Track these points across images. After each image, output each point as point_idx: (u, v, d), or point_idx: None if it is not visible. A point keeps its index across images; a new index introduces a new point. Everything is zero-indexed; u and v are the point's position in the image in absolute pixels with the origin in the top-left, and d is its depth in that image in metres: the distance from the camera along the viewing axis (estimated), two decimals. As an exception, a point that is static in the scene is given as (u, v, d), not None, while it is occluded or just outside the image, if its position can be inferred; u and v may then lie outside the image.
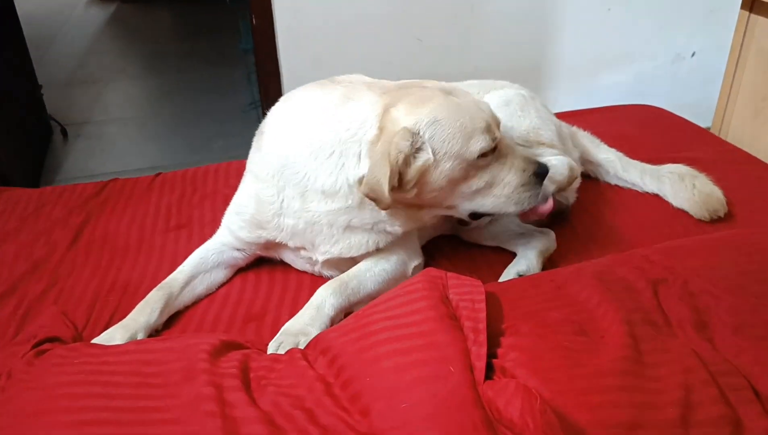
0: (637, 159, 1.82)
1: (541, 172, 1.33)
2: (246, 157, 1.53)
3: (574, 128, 1.87)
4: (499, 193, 1.31)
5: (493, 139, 1.28)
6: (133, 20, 6.24)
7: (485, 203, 1.33)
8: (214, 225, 1.59)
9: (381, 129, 1.25)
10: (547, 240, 1.55)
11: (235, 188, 1.54)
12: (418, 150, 1.23)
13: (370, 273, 1.38)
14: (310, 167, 1.31)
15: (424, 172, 1.24)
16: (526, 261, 1.50)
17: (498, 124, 1.34)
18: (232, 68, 4.81)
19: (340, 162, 1.28)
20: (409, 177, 1.23)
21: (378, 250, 1.41)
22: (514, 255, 1.55)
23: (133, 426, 0.92)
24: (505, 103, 1.60)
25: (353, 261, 1.43)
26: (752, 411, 0.94)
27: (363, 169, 1.26)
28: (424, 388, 0.92)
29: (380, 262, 1.40)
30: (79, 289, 1.47)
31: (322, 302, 1.30)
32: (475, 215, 1.37)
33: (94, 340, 1.27)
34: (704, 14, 3.17)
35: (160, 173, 1.97)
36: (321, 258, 1.41)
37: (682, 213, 1.67)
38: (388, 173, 1.19)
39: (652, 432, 0.88)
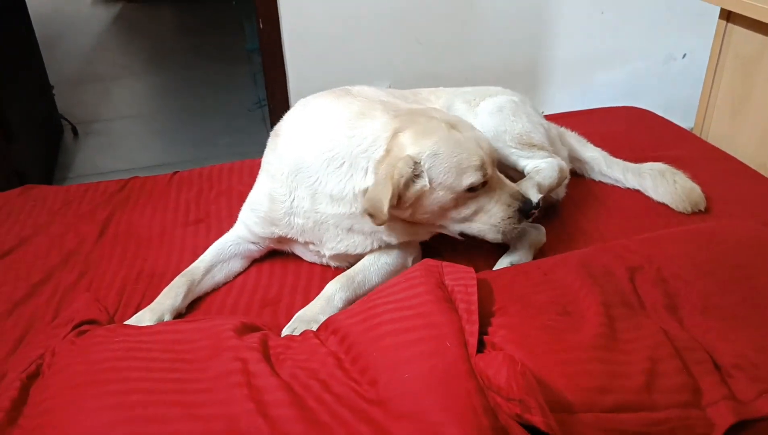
0: (622, 157, 1.94)
1: (525, 208, 1.45)
2: (253, 154, 1.65)
3: (562, 129, 1.99)
4: (486, 221, 1.45)
5: (484, 175, 1.41)
6: (138, 18, 6.34)
7: (472, 227, 1.47)
8: (230, 219, 1.71)
9: (388, 151, 1.39)
10: (538, 233, 1.67)
11: (248, 185, 1.67)
12: (417, 176, 1.37)
13: (374, 267, 1.52)
14: (322, 173, 1.45)
15: (419, 196, 1.40)
16: (518, 252, 1.62)
17: (494, 161, 1.47)
18: (236, 66, 4.91)
19: (349, 172, 1.43)
20: (406, 198, 1.38)
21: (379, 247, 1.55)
22: (508, 247, 1.67)
23: (170, 394, 1.05)
24: (498, 109, 1.73)
25: (357, 256, 1.56)
26: (711, 380, 1.07)
27: (368, 182, 1.41)
28: (424, 361, 1.05)
29: (382, 257, 1.54)
30: (108, 277, 1.60)
31: (332, 295, 1.44)
32: (464, 235, 1.50)
33: (126, 322, 1.41)
34: (695, 17, 3.26)
35: (177, 172, 2.09)
36: (328, 253, 1.55)
37: (662, 207, 1.78)
38: (389, 194, 1.34)
39: (619, 395, 1.01)
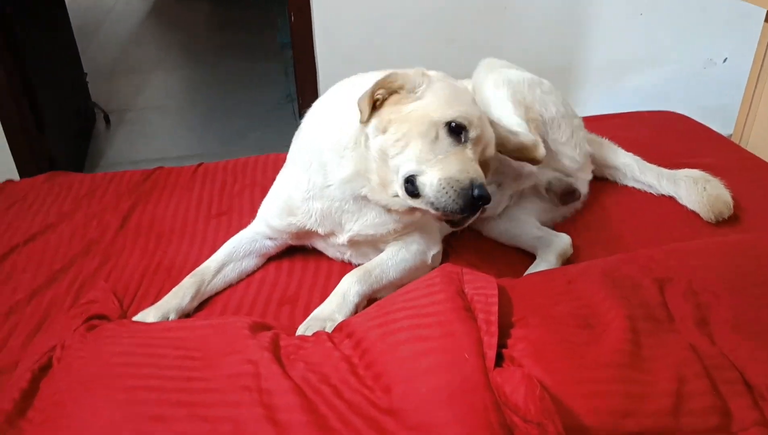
0: (656, 163, 1.87)
1: (478, 186, 1.27)
2: (281, 148, 1.65)
3: (592, 135, 1.94)
4: (436, 175, 1.29)
5: (467, 127, 1.33)
6: (173, 12, 6.40)
7: (423, 176, 1.30)
8: (252, 213, 1.69)
9: None
10: (565, 244, 1.62)
11: (272, 180, 1.66)
12: (411, 90, 1.37)
13: (392, 262, 1.48)
14: (324, 131, 1.45)
15: (405, 105, 1.35)
16: (546, 264, 1.57)
17: (484, 138, 1.38)
18: (268, 62, 4.92)
19: (349, 117, 1.40)
20: (391, 102, 1.36)
21: (398, 237, 1.51)
22: (532, 255, 1.63)
23: (178, 393, 1.03)
24: (516, 74, 1.72)
25: (376, 248, 1.53)
26: (742, 403, 1.01)
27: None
28: (440, 371, 1.01)
29: (401, 252, 1.50)
30: (128, 268, 1.60)
31: (348, 290, 1.40)
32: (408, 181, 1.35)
33: (133, 318, 1.40)
34: (737, 20, 3.16)
35: (202, 163, 2.09)
36: (346, 237, 1.50)
37: (694, 216, 1.72)
38: (376, 83, 1.35)
39: (643, 420, 0.96)
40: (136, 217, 1.81)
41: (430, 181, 1.29)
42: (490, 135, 1.40)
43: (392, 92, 1.37)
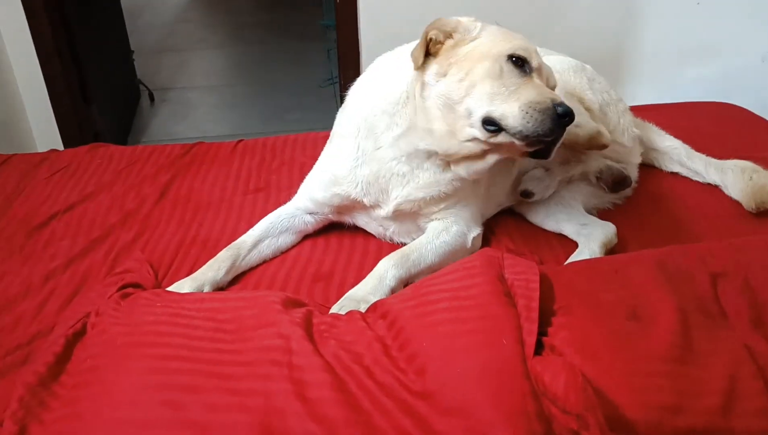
0: (713, 155, 1.79)
1: (559, 104, 1.26)
2: (321, 129, 1.61)
3: (638, 119, 1.87)
4: (515, 105, 1.27)
5: (528, 58, 1.32)
6: (219, -8, 6.44)
7: (497, 108, 1.28)
8: (290, 190, 1.68)
9: None
10: (609, 233, 1.56)
11: (311, 157, 1.64)
12: (466, 30, 1.37)
13: (431, 245, 1.44)
14: (371, 96, 1.46)
15: (464, 47, 1.35)
16: (589, 252, 1.51)
17: (544, 68, 1.38)
18: (311, 43, 4.92)
19: (399, 78, 1.42)
20: (447, 47, 1.35)
21: (440, 212, 1.48)
22: (575, 243, 1.57)
23: (208, 364, 1.02)
24: (559, 62, 1.66)
25: (418, 225, 1.51)
26: (800, 407, 0.95)
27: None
28: (477, 355, 0.98)
29: (441, 235, 1.47)
30: (164, 240, 1.60)
31: (385, 273, 1.37)
32: (488, 120, 1.32)
33: (168, 288, 1.39)
34: (801, 11, 3.04)
35: (242, 140, 2.08)
36: (392, 206, 1.48)
37: (742, 209, 1.65)
38: (430, 29, 1.34)
39: (691, 418, 0.91)
40: (174, 189, 1.82)
41: (511, 113, 1.27)
42: (548, 67, 1.40)
43: (447, 36, 1.36)
